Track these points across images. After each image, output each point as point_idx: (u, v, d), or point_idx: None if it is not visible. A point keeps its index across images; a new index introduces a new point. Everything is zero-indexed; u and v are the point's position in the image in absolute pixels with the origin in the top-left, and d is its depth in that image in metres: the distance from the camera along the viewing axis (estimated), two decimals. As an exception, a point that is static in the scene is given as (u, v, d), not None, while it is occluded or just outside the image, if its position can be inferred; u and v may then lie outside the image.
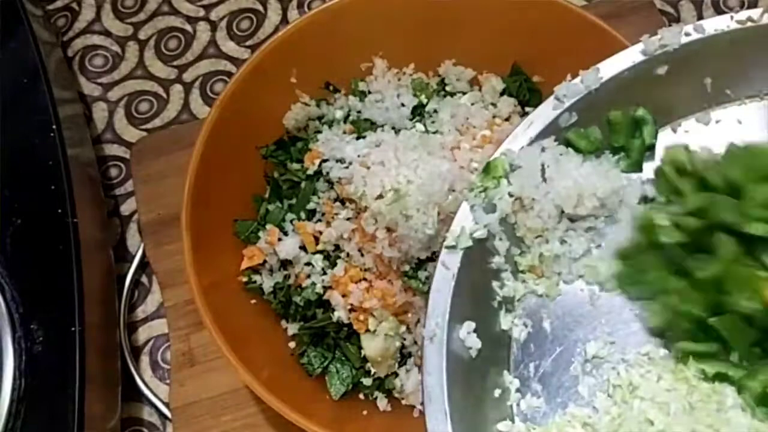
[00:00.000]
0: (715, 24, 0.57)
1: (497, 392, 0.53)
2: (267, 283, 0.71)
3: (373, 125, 0.75)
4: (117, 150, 0.92)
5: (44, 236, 0.73)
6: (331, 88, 0.79)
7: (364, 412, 0.68)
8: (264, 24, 0.98)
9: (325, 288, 0.69)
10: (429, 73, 0.79)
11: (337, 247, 0.69)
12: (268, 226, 0.72)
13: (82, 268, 0.72)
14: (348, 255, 0.68)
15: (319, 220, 0.71)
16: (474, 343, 0.53)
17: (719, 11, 0.91)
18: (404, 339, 0.68)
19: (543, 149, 0.56)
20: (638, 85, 0.58)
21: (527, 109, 0.75)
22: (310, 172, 0.72)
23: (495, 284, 0.56)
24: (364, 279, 0.68)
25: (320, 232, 0.70)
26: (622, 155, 0.59)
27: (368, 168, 0.68)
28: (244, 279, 0.72)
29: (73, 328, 0.68)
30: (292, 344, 0.71)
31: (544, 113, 0.57)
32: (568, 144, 0.58)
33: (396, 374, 0.69)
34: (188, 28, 0.98)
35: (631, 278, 0.55)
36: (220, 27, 0.98)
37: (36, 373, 0.67)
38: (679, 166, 0.55)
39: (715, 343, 0.51)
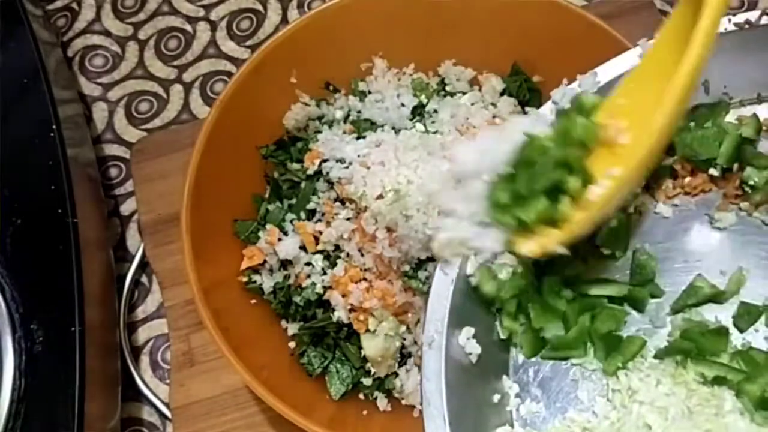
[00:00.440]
0: None
1: (497, 397, 0.53)
2: (267, 283, 0.71)
3: (373, 125, 0.75)
4: (117, 150, 0.92)
5: (44, 236, 0.73)
6: (331, 88, 0.79)
7: (364, 412, 0.68)
8: (264, 24, 0.98)
9: (325, 288, 0.69)
10: (429, 73, 0.79)
11: (337, 247, 0.69)
12: (268, 226, 0.72)
13: (82, 268, 0.72)
14: (348, 255, 0.68)
15: (319, 220, 0.71)
16: (474, 348, 0.53)
17: (719, 11, 0.91)
18: (404, 339, 0.68)
19: None
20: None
21: (527, 109, 0.75)
22: (310, 172, 0.72)
23: None
24: (364, 279, 0.68)
25: (320, 232, 0.70)
26: None
27: (368, 168, 0.68)
28: (244, 279, 0.72)
29: (73, 328, 0.68)
30: (292, 344, 0.71)
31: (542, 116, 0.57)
32: None
33: (396, 374, 0.69)
34: (188, 28, 0.98)
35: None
36: (220, 27, 0.98)
37: (36, 373, 0.67)
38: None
39: None
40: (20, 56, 0.83)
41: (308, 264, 0.70)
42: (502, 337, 0.55)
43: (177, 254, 0.77)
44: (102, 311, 0.76)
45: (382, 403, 0.68)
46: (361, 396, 0.69)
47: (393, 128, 0.74)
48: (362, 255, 0.68)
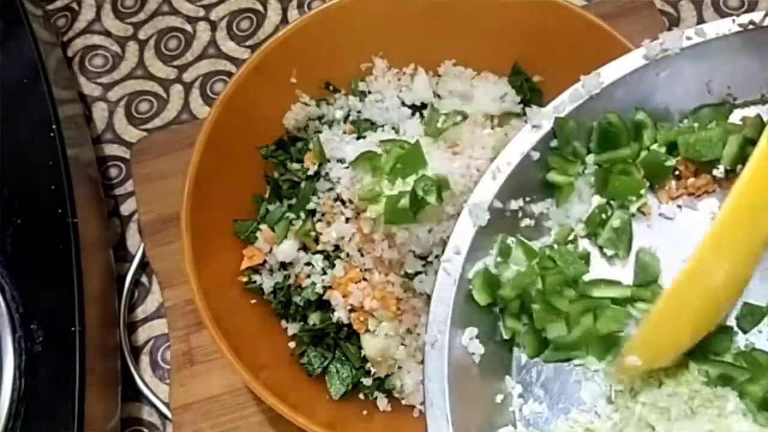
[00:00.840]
0: (717, 28, 0.56)
1: (499, 398, 0.53)
2: (267, 283, 0.71)
3: (373, 125, 0.75)
4: (117, 150, 0.92)
5: (44, 236, 0.73)
6: (331, 88, 0.79)
7: (364, 412, 0.68)
8: (264, 24, 0.98)
9: (325, 288, 0.69)
10: (429, 73, 0.79)
11: (337, 248, 0.69)
12: (263, 227, 0.72)
13: (82, 268, 0.71)
14: (348, 255, 0.68)
15: (319, 220, 0.71)
16: (477, 348, 0.53)
17: (719, 11, 0.91)
18: (404, 339, 0.68)
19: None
20: (640, 90, 0.58)
21: (527, 108, 0.75)
22: (310, 172, 0.72)
23: None
24: (364, 279, 0.68)
25: (320, 233, 0.69)
26: None
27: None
28: (244, 279, 0.72)
29: (73, 328, 0.68)
30: (292, 344, 0.71)
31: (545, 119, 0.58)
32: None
33: (396, 374, 0.69)
34: (188, 28, 0.98)
35: None
36: (220, 27, 0.98)
37: (36, 373, 0.67)
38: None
39: None
40: (20, 56, 0.83)
41: (308, 264, 0.70)
42: (505, 337, 0.55)
43: (177, 254, 0.77)
44: (102, 311, 0.76)
45: (382, 403, 0.68)
46: (361, 396, 0.69)
47: (393, 128, 0.74)
48: (362, 255, 0.68)
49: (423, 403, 0.57)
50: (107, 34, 0.99)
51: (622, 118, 0.58)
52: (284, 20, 0.98)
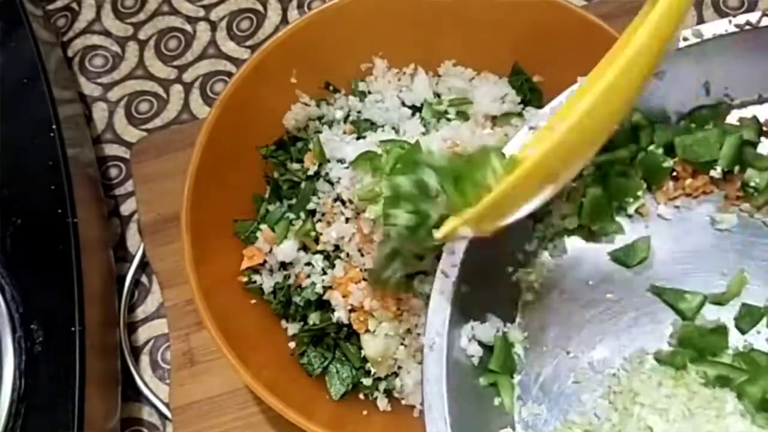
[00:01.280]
0: (713, 28, 0.56)
1: (498, 400, 0.53)
2: (267, 283, 0.71)
3: (373, 125, 0.75)
4: (117, 150, 0.92)
5: (44, 236, 0.73)
6: (331, 88, 0.79)
7: (364, 412, 0.68)
8: (264, 24, 0.98)
9: (325, 288, 0.69)
10: (429, 73, 0.79)
11: (337, 248, 0.69)
12: (263, 227, 0.72)
13: (82, 268, 0.71)
14: (348, 255, 0.68)
15: (319, 220, 0.71)
16: (475, 350, 0.53)
17: (719, 11, 0.91)
18: (404, 339, 0.68)
19: None
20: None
21: (526, 109, 0.75)
22: (310, 172, 0.72)
23: None
24: (364, 279, 0.68)
25: (320, 233, 0.69)
26: None
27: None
28: (244, 279, 0.72)
29: (73, 328, 0.68)
30: (292, 344, 0.71)
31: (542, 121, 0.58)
32: None
33: (396, 374, 0.69)
34: (188, 28, 0.98)
35: None
36: (220, 27, 0.98)
37: (36, 373, 0.67)
38: None
39: None
40: (20, 56, 0.83)
41: (308, 264, 0.70)
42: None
43: (177, 254, 0.77)
44: (102, 311, 0.76)
45: (382, 403, 0.68)
46: (361, 396, 0.69)
47: (393, 128, 0.74)
48: (362, 255, 0.67)
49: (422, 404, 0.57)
50: (107, 34, 0.99)
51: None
52: (284, 20, 0.98)
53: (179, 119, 0.93)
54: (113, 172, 0.91)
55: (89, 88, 0.96)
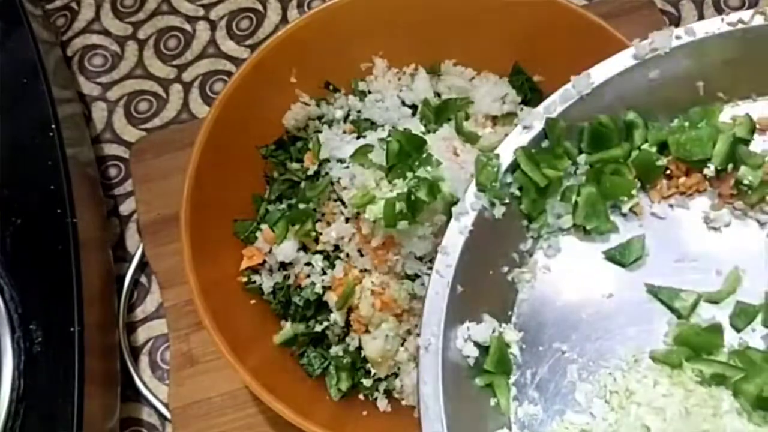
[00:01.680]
0: (706, 27, 0.56)
1: (494, 400, 0.53)
2: (267, 283, 0.71)
3: (373, 125, 0.75)
4: (116, 150, 0.92)
5: (44, 236, 0.73)
6: (331, 88, 0.79)
7: (364, 413, 0.68)
8: (264, 24, 0.98)
9: (325, 288, 0.69)
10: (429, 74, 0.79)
11: (337, 248, 0.69)
12: (262, 226, 0.72)
13: (81, 268, 0.71)
14: (348, 255, 0.68)
15: (319, 220, 0.70)
16: (471, 351, 0.53)
17: (720, 10, 0.91)
18: (404, 340, 0.68)
19: None
20: (630, 90, 0.58)
21: (524, 108, 0.75)
22: (310, 172, 0.72)
23: None
24: (364, 279, 0.68)
25: (320, 233, 0.69)
26: None
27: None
28: (244, 279, 0.72)
29: (72, 328, 0.68)
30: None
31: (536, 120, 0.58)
32: None
33: (396, 374, 0.69)
34: (188, 27, 0.98)
35: None
36: (220, 26, 0.98)
37: (36, 373, 0.67)
38: None
39: None
40: (20, 56, 0.83)
41: (308, 264, 0.70)
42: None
43: (177, 254, 0.77)
44: (101, 311, 0.76)
45: (382, 403, 0.68)
46: (361, 396, 0.69)
47: (393, 128, 0.74)
48: (362, 255, 0.67)
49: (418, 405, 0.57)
50: (106, 33, 0.99)
51: (612, 118, 0.58)
52: (284, 20, 0.98)
53: (179, 119, 0.93)
54: (112, 171, 0.90)
55: (88, 88, 0.96)
